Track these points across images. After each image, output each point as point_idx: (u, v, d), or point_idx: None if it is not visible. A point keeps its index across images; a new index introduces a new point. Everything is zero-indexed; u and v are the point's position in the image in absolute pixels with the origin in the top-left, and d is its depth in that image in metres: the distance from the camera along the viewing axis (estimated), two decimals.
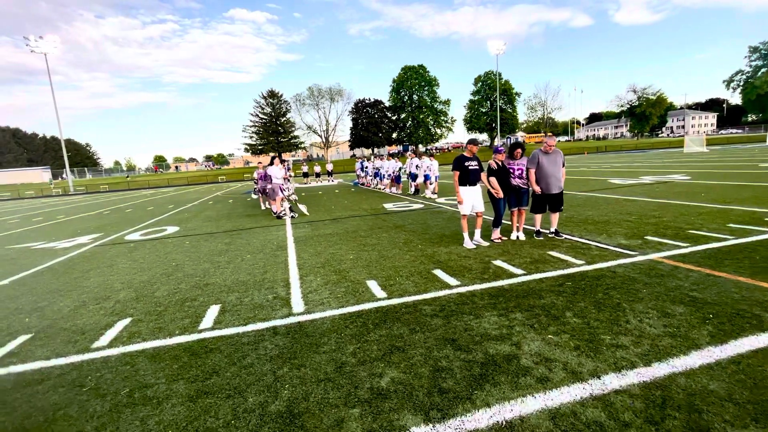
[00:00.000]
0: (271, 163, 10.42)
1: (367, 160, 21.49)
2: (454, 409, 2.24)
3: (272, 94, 68.90)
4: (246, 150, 71.39)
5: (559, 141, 67.82)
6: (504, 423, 2.10)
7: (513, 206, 6.20)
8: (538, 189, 6.02)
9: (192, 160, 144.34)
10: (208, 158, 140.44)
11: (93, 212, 18.26)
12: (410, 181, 14.96)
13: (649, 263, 4.61)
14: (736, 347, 2.67)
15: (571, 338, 2.96)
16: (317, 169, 28.73)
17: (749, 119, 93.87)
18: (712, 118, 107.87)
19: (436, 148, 71.97)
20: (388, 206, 11.69)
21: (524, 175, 6.09)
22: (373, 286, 4.49)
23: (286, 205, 11.10)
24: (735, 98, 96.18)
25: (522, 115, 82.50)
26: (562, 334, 3.03)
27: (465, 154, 5.90)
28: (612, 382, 2.39)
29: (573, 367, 2.58)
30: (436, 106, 67.92)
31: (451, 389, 2.43)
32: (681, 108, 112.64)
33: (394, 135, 70.89)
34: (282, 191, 10.65)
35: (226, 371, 2.85)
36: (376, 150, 71.33)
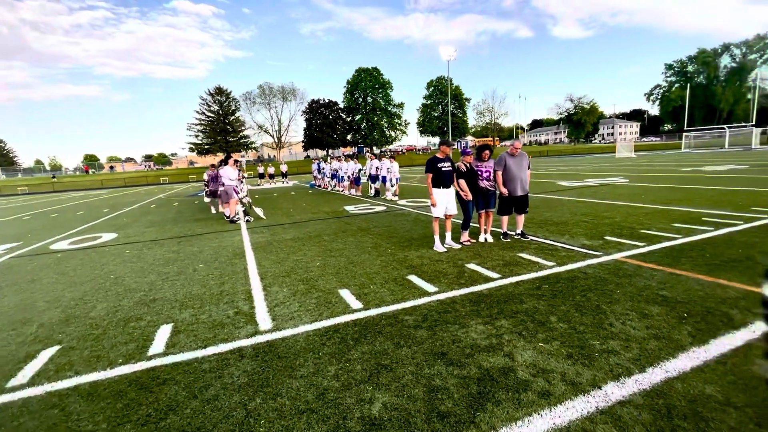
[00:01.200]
0: (225, 163, 9.66)
1: (324, 161, 20.95)
2: None
3: (220, 91, 65.41)
4: (191, 150, 67.05)
5: (504, 145, 71.35)
6: None
7: (481, 208, 6.18)
8: (505, 191, 6.05)
9: (129, 159, 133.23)
10: (148, 158, 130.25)
11: (8, 217, 15.98)
12: (370, 183, 14.72)
13: (615, 263, 4.75)
14: (718, 347, 2.72)
15: (562, 345, 2.87)
16: (271, 170, 27.53)
17: (666, 128, 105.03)
18: (635, 127, 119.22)
19: (390, 150, 72.61)
20: (350, 209, 11.35)
21: (492, 177, 6.09)
22: (346, 295, 4.17)
23: (240, 208, 10.37)
24: (654, 109, 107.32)
25: (471, 119, 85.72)
26: (552, 342, 2.94)
27: (438, 155, 5.76)
28: (614, 392, 2.30)
29: (571, 377, 2.47)
30: (390, 108, 68.35)
31: (450, 412, 2.21)
32: (610, 117, 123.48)
33: (349, 136, 70.29)
34: (236, 193, 9.92)
35: (186, 407, 2.40)
36: (330, 151, 70.30)
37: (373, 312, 3.68)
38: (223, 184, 9.74)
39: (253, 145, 70.16)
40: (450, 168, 5.75)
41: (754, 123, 48.45)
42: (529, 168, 6.17)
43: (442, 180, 5.70)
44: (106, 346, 3.31)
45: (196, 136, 65.67)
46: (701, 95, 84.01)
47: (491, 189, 6.11)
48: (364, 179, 15.70)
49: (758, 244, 5.16)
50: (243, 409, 2.35)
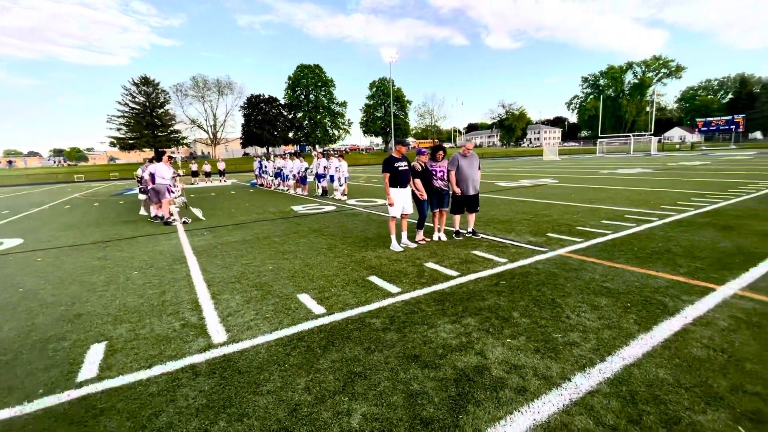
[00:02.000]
0: (158, 160, 8.75)
1: (267, 159, 20.01)
2: None
3: (146, 81, 59.55)
4: (112, 144, 60.17)
5: (420, 148, 74.27)
6: None
7: (435, 207, 6.27)
8: (458, 190, 6.19)
9: (33, 154, 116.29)
10: (58, 152, 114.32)
11: None
12: (317, 182, 14.35)
13: (561, 258, 5.08)
14: (661, 333, 2.99)
15: (528, 340, 2.96)
16: (207, 167, 25.58)
17: (583, 135, 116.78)
18: (558, 133, 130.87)
19: (335, 150, 71.76)
20: (298, 209, 10.94)
21: (446, 177, 6.21)
22: (306, 300, 3.95)
23: (175, 209, 9.49)
24: (573, 117, 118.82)
25: (413, 121, 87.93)
26: (518, 337, 3.02)
27: (394, 155, 5.72)
28: (582, 383, 2.40)
29: (542, 371, 2.55)
30: (333, 107, 67.50)
31: (433, 418, 2.15)
32: (537, 123, 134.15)
33: (291, 134, 68.11)
34: (169, 193, 9.05)
35: None
36: (271, 149, 67.60)
37: (338, 317, 3.52)
38: (154, 182, 8.81)
39: (185, 141, 64.95)
40: (406, 167, 5.74)
41: (652, 132, 55.71)
42: (479, 168, 6.39)
43: (399, 179, 5.68)
44: (20, 375, 2.76)
45: (119, 130, 59.16)
46: (611, 106, 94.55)
47: (445, 189, 6.22)
48: (311, 178, 15.26)
49: (673, 238, 5.84)
50: None
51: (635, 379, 2.42)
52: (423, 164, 6.05)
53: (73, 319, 3.72)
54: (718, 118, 70.53)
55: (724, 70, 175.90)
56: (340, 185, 12.84)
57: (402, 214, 5.86)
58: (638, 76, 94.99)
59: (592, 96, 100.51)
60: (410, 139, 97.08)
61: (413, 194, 5.98)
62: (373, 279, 4.52)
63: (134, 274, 5.10)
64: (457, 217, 6.44)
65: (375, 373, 2.60)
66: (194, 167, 25.79)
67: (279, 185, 17.64)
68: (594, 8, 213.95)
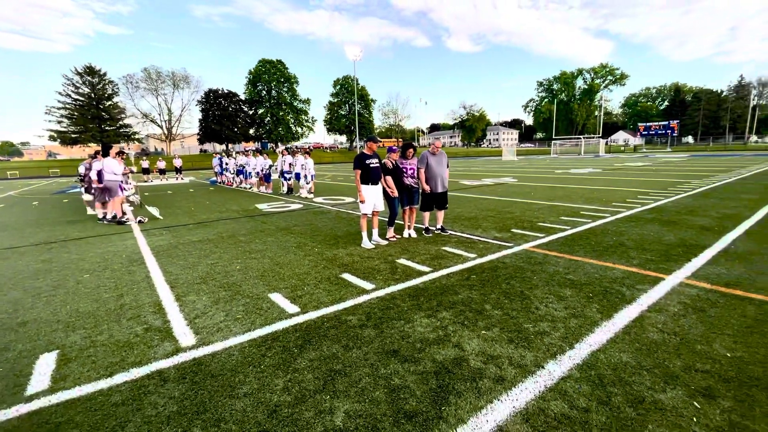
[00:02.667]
0: (105, 154, 8.12)
1: (229, 156, 19.22)
2: None
3: (91, 71, 55.06)
4: (52, 138, 55.14)
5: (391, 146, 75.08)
6: None
7: (405, 205, 6.32)
8: (427, 188, 6.28)
9: None
10: None
11: None
12: (283, 180, 13.99)
13: (526, 253, 5.29)
14: (621, 320, 3.20)
15: (501, 331, 3.06)
16: (161, 164, 24.08)
17: (539, 136, 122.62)
18: (515, 134, 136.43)
19: (297, 147, 70.16)
20: (263, 207, 10.61)
21: (416, 174, 6.28)
22: (278, 299, 3.84)
23: (128, 207, 8.89)
24: (529, 119, 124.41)
25: (377, 120, 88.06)
26: (492, 329, 3.11)
27: (365, 151, 5.70)
28: (555, 370, 2.52)
29: (517, 360, 2.64)
30: (296, 104, 65.99)
31: (417, 411, 2.16)
32: (496, 124, 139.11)
33: (252, 131, 65.80)
34: (122, 190, 8.45)
35: None
36: (231, 146, 65.01)
37: (313, 315, 3.46)
38: (101, 180, 8.18)
39: (137, 136, 60.85)
40: (378, 165, 5.74)
41: (600, 135, 59.59)
42: (447, 166, 6.52)
43: (370, 177, 5.66)
44: None
45: (60, 122, 54.36)
46: (563, 110, 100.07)
47: (415, 186, 6.29)
48: (275, 176, 14.86)
49: (625, 233, 6.27)
50: None
51: (602, 364, 2.57)
52: (394, 162, 6.08)
53: (16, 327, 3.37)
54: (657, 123, 76.66)
55: (661, 79, 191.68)
56: (307, 183, 12.60)
57: (373, 212, 5.85)
58: (587, 82, 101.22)
59: (546, 100, 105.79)
60: None
61: (384, 191, 5.99)
62: (347, 276, 4.48)
63: (86, 277, 4.71)
64: (427, 214, 6.53)
65: (355, 370, 2.58)
66: (145, 164, 24.19)
67: (241, 183, 17.02)
68: (547, 17, 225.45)
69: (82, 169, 10.79)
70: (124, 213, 8.51)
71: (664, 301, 3.55)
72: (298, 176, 12.97)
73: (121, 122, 58.09)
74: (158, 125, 64.46)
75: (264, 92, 64.12)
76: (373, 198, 5.74)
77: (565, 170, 22.08)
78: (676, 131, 72.78)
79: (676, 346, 2.76)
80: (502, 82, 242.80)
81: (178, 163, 24.67)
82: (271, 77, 62.63)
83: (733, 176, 15.25)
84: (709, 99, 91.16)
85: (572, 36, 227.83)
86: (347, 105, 73.32)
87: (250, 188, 15.82)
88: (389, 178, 5.97)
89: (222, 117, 61.75)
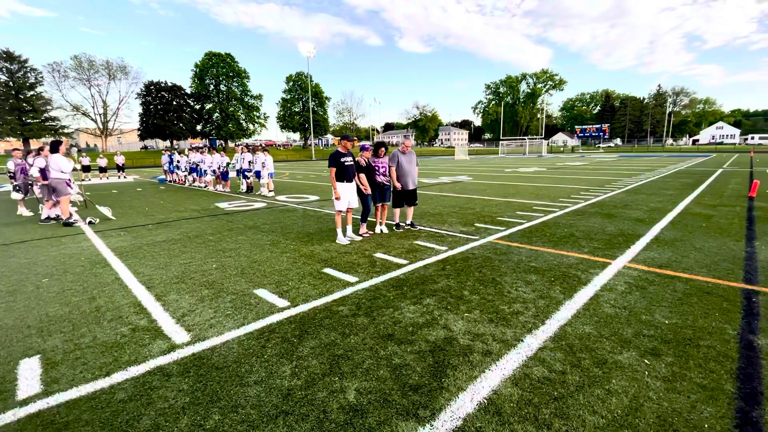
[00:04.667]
0: (53, 150, 7.47)
1: (181, 153, 18.18)
2: (437, 402, 2.23)
3: (9, 57, 48.79)
4: None
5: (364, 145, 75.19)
6: (486, 400, 2.24)
7: (377, 202, 6.54)
8: (398, 185, 6.56)
9: None
10: None
11: None
12: (241, 178, 13.59)
13: (491, 244, 5.75)
14: (581, 298, 3.67)
15: (482, 313, 3.40)
16: (102, 162, 22.06)
17: (487, 137, 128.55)
18: (465, 134, 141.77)
19: (247, 145, 67.46)
20: (224, 206, 10.30)
21: (387, 172, 6.52)
22: (265, 295, 3.90)
23: (73, 208, 8.24)
24: (478, 120, 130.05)
25: (332, 118, 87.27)
26: (473, 311, 3.44)
27: (339, 149, 5.83)
28: (532, 342, 2.88)
29: (500, 337, 2.97)
30: (247, 99, 63.37)
31: (420, 384, 2.40)
32: (447, 125, 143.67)
33: (200, 126, 62.23)
34: (69, 188, 7.83)
35: None
36: (176, 142, 61.07)
37: (304, 307, 3.57)
38: (45, 178, 7.52)
39: (66, 131, 55.03)
40: (352, 163, 5.91)
41: (542, 136, 63.87)
42: (417, 165, 6.84)
43: (345, 174, 5.81)
44: None
45: None
46: (509, 112, 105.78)
47: (387, 183, 6.53)
48: (233, 174, 14.38)
49: (574, 225, 6.98)
50: (202, 430, 2.03)
51: (570, 335, 2.98)
52: (366, 160, 6.27)
53: None
54: (591, 126, 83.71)
55: (594, 85, 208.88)
56: (266, 181, 12.37)
57: (348, 208, 6.01)
58: (531, 87, 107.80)
59: (493, 102, 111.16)
60: (329, 136, 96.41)
61: (358, 189, 6.17)
62: (329, 271, 4.61)
63: (45, 282, 4.40)
64: (398, 211, 6.80)
65: (356, 354, 2.76)
66: (86, 161, 22.07)
67: (194, 182, 16.23)
68: (493, 23, 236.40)
69: (11, 166, 9.75)
70: (70, 214, 7.88)
71: (613, 282, 4.10)
72: (258, 174, 12.69)
73: (46, 114, 52.31)
74: (91, 119, 58.92)
75: (212, 87, 60.84)
76: (347, 195, 5.89)
77: (514, 169, 23.52)
78: (606, 133, 79.94)
79: (627, 318, 3.25)
80: (452, 83, 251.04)
81: (120, 160, 22.83)
82: (220, 71, 59.58)
83: (656, 174, 17.23)
84: (634, 105, 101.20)
85: (516, 42, 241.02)
86: (301, 102, 71.90)
87: (204, 187, 15.16)
88: (363, 176, 6.16)
89: (166, 111, 57.84)
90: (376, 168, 6.39)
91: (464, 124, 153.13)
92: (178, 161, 17.23)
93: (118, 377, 2.52)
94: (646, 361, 2.61)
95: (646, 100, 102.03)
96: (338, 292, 3.93)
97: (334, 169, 5.75)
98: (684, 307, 3.44)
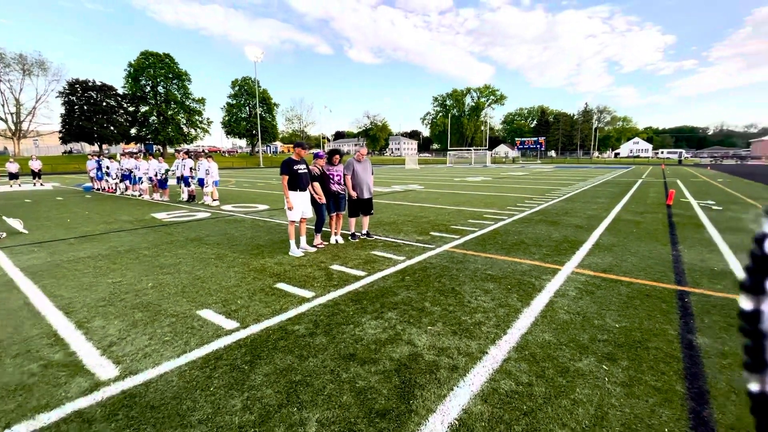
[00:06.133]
0: None
1: (111, 159, 16.46)
2: (407, 428, 2.08)
3: None
4: None
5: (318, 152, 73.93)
6: (457, 422, 2.12)
7: (332, 211, 6.33)
8: (354, 194, 6.40)
9: None
10: None
11: None
12: (182, 185, 12.61)
13: (448, 253, 5.77)
14: (537, 305, 3.74)
15: (445, 325, 3.32)
16: (12, 167, 19.07)
17: (435, 147, 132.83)
18: (414, 144, 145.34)
19: (188, 151, 63.17)
20: (161, 216, 9.43)
21: (343, 181, 6.34)
22: (210, 316, 3.52)
23: None
24: (426, 131, 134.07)
25: (281, 125, 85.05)
26: (436, 324, 3.35)
27: (293, 157, 5.55)
28: (497, 354, 2.85)
29: (465, 350, 2.90)
30: (188, 103, 59.49)
31: (388, 409, 2.24)
32: (397, 134, 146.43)
33: (134, 130, 57.22)
34: None
35: None
36: (106, 147, 55.58)
37: (255, 328, 3.26)
38: None
39: None
40: (306, 171, 5.65)
41: (486, 147, 67.28)
42: (372, 173, 6.74)
43: (298, 183, 5.54)
44: None
45: None
46: (456, 123, 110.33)
47: (342, 192, 6.34)
48: (172, 181, 13.30)
49: (523, 232, 7.26)
50: None
51: (531, 344, 2.99)
52: (321, 168, 6.04)
53: None
54: (529, 139, 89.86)
55: (531, 101, 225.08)
56: (210, 189, 11.59)
57: (301, 218, 5.72)
58: (475, 100, 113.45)
59: (441, 114, 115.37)
60: (278, 143, 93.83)
61: (312, 198, 5.91)
62: (282, 286, 4.31)
63: None
64: (353, 220, 6.63)
65: (316, 378, 2.54)
66: (13, 167, 18.86)
67: (127, 189, 14.78)
68: (438, 39, 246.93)
69: None
70: None
71: (564, 288, 4.25)
72: (201, 182, 11.85)
73: None
74: (2, 119, 51.98)
75: (149, 88, 56.26)
76: (301, 205, 5.62)
77: (462, 178, 24.36)
78: (543, 146, 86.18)
79: (581, 323, 3.35)
80: (402, 94, 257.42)
81: (35, 165, 20.15)
82: (158, 72, 55.41)
83: (588, 184, 18.72)
84: (565, 121, 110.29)
85: (461, 58, 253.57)
86: (248, 108, 69.22)
87: (139, 195, 13.86)
88: (317, 185, 5.92)
89: (94, 113, 52.45)
90: (331, 176, 6.19)
91: (414, 135, 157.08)
92: (108, 167, 15.60)
93: (20, 430, 2.07)
94: (604, 366, 2.67)
95: (575, 116, 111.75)
96: (293, 310, 3.65)
97: (287, 177, 5.46)
98: (630, 310, 3.63)
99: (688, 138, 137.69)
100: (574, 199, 12.70)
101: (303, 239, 5.92)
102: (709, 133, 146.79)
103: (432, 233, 7.17)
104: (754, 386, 0.52)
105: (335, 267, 5.04)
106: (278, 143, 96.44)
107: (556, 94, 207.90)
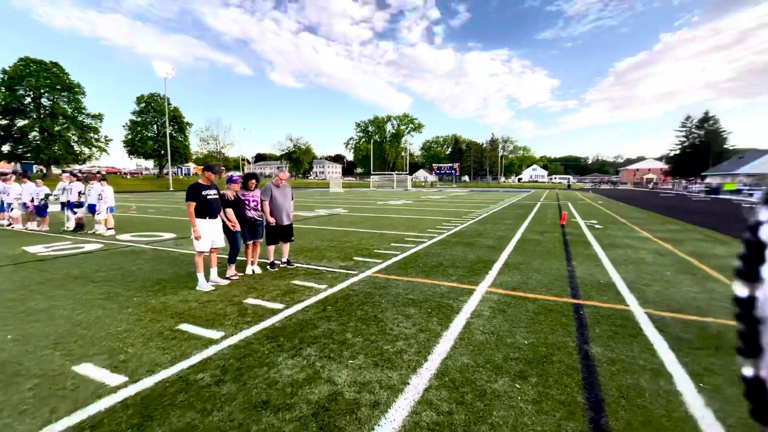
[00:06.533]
0: None
1: None
2: None
3: None
4: None
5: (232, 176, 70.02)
6: None
7: (249, 239, 5.92)
8: (272, 221, 6.08)
9: None
10: None
11: None
12: (67, 212, 10.80)
13: (370, 279, 5.73)
14: (456, 328, 3.84)
15: (366, 357, 3.21)
16: None
17: (359, 171, 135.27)
18: (339, 168, 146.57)
19: (74, 172, 54.97)
20: (37, 250, 7.92)
21: (259, 207, 6.00)
22: (91, 371, 2.95)
23: None
24: (350, 156, 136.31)
25: (194, 146, 79.21)
26: (358, 356, 3.23)
27: (201, 182, 5.09)
28: (418, 383, 2.81)
29: (387, 382, 2.82)
30: (81, 119, 52.13)
31: None
32: (321, 158, 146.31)
33: (6, 147, 47.90)
34: None
35: None
36: None
37: (149, 382, 2.80)
38: None
39: None
40: (216, 196, 5.22)
41: (407, 172, 70.45)
42: (292, 198, 6.50)
43: (207, 209, 5.08)
44: None
45: None
46: (378, 149, 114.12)
47: (259, 219, 5.99)
48: (55, 207, 11.35)
49: (441, 254, 7.57)
50: None
51: (451, 369, 3.02)
52: (235, 193, 5.65)
53: None
54: (445, 165, 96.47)
55: (446, 130, 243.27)
56: (104, 217, 10.12)
57: (211, 248, 5.23)
58: (395, 128, 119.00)
59: (363, 139, 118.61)
60: (191, 165, 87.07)
61: (224, 226, 5.47)
62: (186, 327, 3.82)
63: None
64: (272, 248, 6.27)
65: None
66: None
67: None
68: (360, 68, 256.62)
69: None
70: None
71: (480, 308, 4.45)
72: (92, 208, 10.30)
73: None
74: None
75: (29, 99, 48.16)
76: (211, 233, 5.15)
77: (385, 202, 24.98)
78: (457, 171, 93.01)
79: (495, 343, 3.51)
80: (326, 119, 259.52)
81: None
82: (41, 82, 47.69)
83: (498, 206, 20.51)
84: (476, 149, 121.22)
85: (382, 87, 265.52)
86: (155, 126, 63.37)
87: (8, 225, 11.53)
88: (230, 211, 5.50)
89: None
90: (246, 202, 5.82)
91: (338, 158, 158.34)
92: None
93: None
94: (517, 385, 2.79)
95: (484, 145, 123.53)
96: (197, 355, 3.24)
97: (194, 204, 4.97)
98: (536, 326, 3.91)
99: (574, 166, 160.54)
100: (486, 220, 13.74)
101: (214, 271, 5.40)
102: (589, 162, 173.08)
103: (355, 258, 7.10)
104: (747, 371, 0.52)
105: (250, 301, 4.66)
106: (191, 165, 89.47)
107: (468, 124, 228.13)
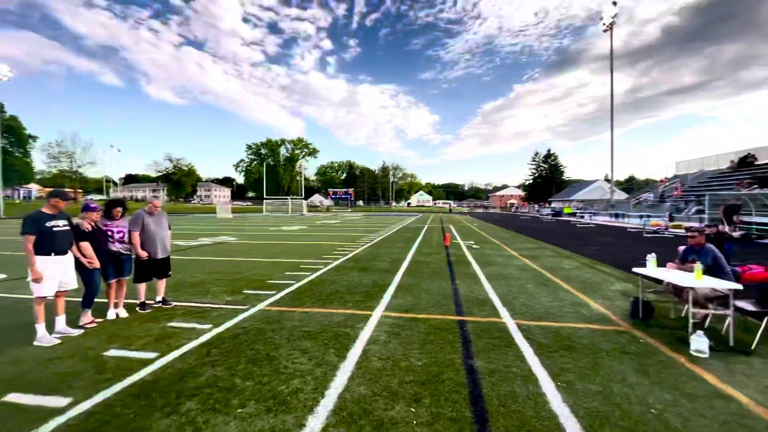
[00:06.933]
0: None
1: None
2: None
3: None
4: None
5: (92, 198, 58.97)
6: None
7: (111, 278, 5.01)
8: (144, 254, 5.29)
9: None
10: None
11: None
12: None
13: (262, 313, 5.36)
14: (352, 357, 3.82)
15: (258, 403, 2.96)
16: None
17: (251, 195, 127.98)
18: (228, 191, 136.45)
19: None
20: None
21: (126, 239, 5.16)
22: None
23: None
24: (241, 179, 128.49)
25: (40, 163, 64.69)
26: (248, 404, 2.95)
27: (44, 210, 4.15)
28: (315, 424, 2.69)
29: (280, 428, 2.63)
30: None
31: None
32: (207, 181, 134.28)
33: None
34: None
35: None
36: None
37: None
38: None
39: None
40: (67, 227, 4.32)
41: (302, 196, 69.28)
42: (170, 228, 5.78)
43: (52, 244, 4.15)
44: None
45: None
46: (271, 172, 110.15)
47: (125, 253, 5.14)
48: None
49: (337, 281, 7.55)
50: None
51: (348, 402, 2.98)
52: (94, 223, 4.76)
53: None
54: (340, 189, 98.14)
55: (341, 156, 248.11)
56: None
57: (58, 292, 4.26)
58: (289, 152, 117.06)
59: (255, 162, 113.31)
60: (34, 186, 70.70)
61: (78, 263, 4.52)
62: (15, 398, 2.99)
63: None
64: (143, 286, 5.41)
65: None
66: None
67: None
68: (250, 89, 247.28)
69: None
70: None
71: (376, 333, 4.54)
72: None
73: None
74: None
75: None
76: (56, 274, 4.20)
77: (278, 228, 24.00)
78: (352, 196, 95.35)
79: (391, 368, 3.60)
80: (213, 139, 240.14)
81: None
82: None
83: (390, 230, 21.52)
84: (369, 175, 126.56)
85: (274, 110, 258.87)
86: None
87: None
88: (86, 245, 4.59)
89: None
90: (109, 233, 4.96)
91: (226, 181, 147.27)
92: None
93: None
94: (412, 409, 2.89)
95: (377, 171, 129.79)
96: None
97: (33, 238, 4.02)
98: (428, 346, 4.15)
99: (454, 192, 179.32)
100: (380, 244, 14.26)
101: (61, 319, 4.38)
102: (466, 189, 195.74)
103: (246, 291, 6.58)
104: None
105: (112, 353, 3.90)
106: (34, 186, 72.46)
107: (361, 150, 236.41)
